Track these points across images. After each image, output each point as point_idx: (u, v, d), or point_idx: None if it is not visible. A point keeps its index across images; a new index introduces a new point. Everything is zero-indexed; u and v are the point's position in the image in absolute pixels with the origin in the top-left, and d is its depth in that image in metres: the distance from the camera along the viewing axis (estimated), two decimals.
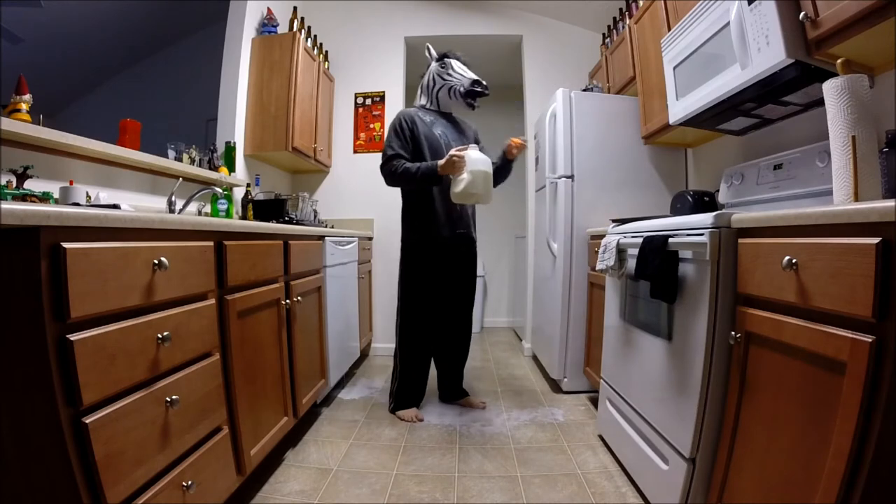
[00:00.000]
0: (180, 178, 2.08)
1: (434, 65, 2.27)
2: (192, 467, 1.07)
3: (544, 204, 2.79)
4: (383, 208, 3.46)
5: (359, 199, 3.51)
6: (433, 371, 2.39)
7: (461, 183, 2.00)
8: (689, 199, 1.95)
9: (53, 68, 3.72)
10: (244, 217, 2.56)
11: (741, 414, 1.06)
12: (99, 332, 0.82)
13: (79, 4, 3.33)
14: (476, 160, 2.03)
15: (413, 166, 2.08)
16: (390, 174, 2.13)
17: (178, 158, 2.21)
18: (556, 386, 2.61)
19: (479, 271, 4.36)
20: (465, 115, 2.37)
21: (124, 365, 0.88)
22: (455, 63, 2.24)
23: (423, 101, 2.30)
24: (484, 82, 2.20)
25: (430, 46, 2.31)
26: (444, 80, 2.22)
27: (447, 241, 2.19)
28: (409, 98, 3.65)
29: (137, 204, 1.90)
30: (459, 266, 2.26)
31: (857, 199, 0.96)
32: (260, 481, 1.58)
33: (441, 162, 2.02)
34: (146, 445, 0.92)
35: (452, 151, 2.01)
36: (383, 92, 3.53)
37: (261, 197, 2.63)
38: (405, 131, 2.15)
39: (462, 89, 2.18)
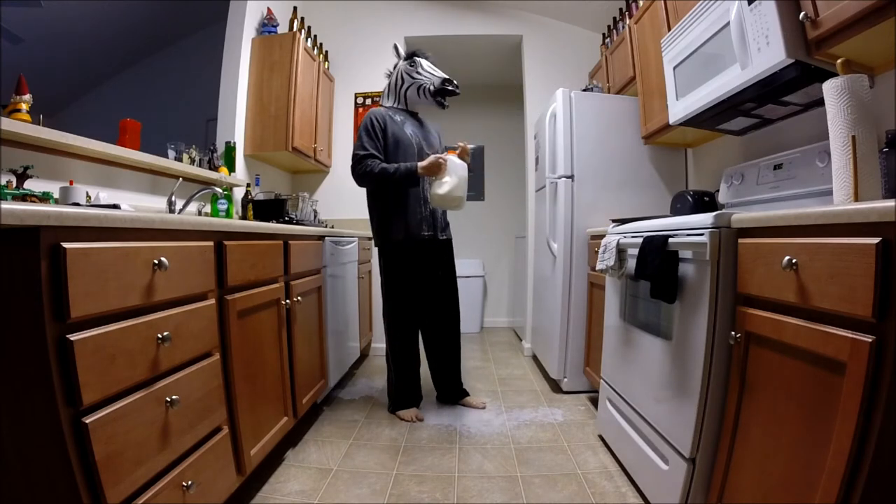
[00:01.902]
0: (180, 178, 2.08)
1: (402, 63, 2.26)
2: (192, 467, 1.07)
3: (544, 204, 2.79)
4: None
5: (359, 199, 3.47)
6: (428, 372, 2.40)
7: (445, 185, 2.04)
8: (689, 199, 1.95)
9: (53, 68, 3.71)
10: (244, 217, 2.56)
11: (741, 414, 1.06)
12: (99, 332, 0.82)
13: (79, 4, 3.33)
14: (458, 166, 2.08)
15: (390, 167, 2.07)
16: (365, 174, 2.10)
17: (178, 158, 2.21)
18: (556, 386, 2.61)
19: (480, 271, 4.38)
20: (431, 115, 2.41)
21: (124, 365, 0.88)
22: (424, 62, 2.24)
23: (391, 101, 2.30)
24: (455, 81, 2.21)
25: (398, 45, 2.31)
26: (413, 78, 2.22)
27: (425, 242, 2.20)
28: None
29: (137, 204, 1.90)
30: (438, 266, 2.27)
31: (857, 199, 0.96)
32: (260, 481, 1.58)
33: (423, 163, 2.05)
34: (146, 445, 0.92)
35: (438, 156, 2.05)
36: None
37: (261, 197, 2.63)
38: (377, 131, 2.14)
39: (432, 87, 2.19)
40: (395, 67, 2.30)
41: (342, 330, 2.50)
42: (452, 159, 2.08)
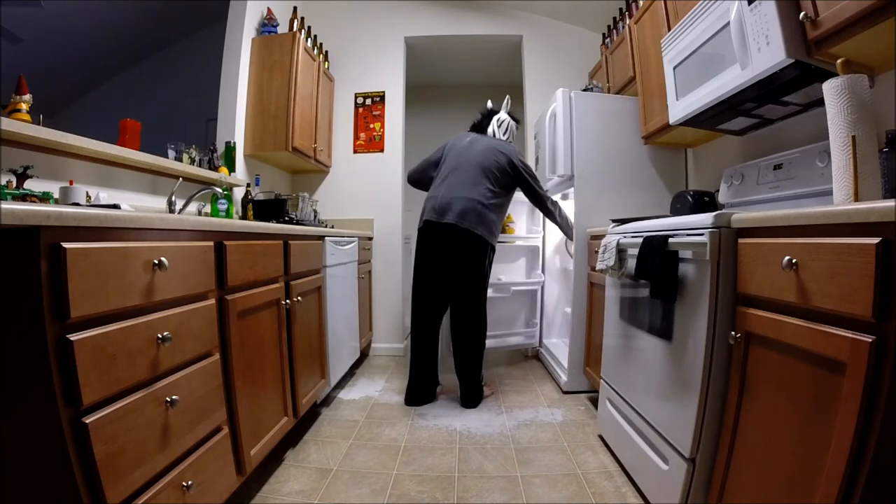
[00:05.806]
0: (180, 178, 2.08)
1: (513, 123, 2.60)
2: (192, 467, 1.07)
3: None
4: (383, 208, 3.46)
5: (359, 199, 3.50)
6: (434, 370, 2.40)
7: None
8: (689, 199, 1.95)
9: (53, 68, 3.71)
10: (244, 217, 2.56)
11: (741, 414, 1.06)
12: (99, 332, 0.82)
13: (79, 4, 3.33)
14: None
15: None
16: (556, 212, 2.47)
17: (178, 158, 2.21)
18: (556, 386, 2.61)
19: None
20: None
21: (124, 365, 0.88)
22: None
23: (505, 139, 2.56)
24: None
25: (509, 98, 2.65)
26: (512, 139, 2.57)
27: None
28: (409, 98, 3.66)
29: (137, 204, 1.90)
30: None
31: (857, 199, 0.96)
32: (260, 481, 1.58)
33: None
34: (146, 445, 0.92)
35: None
36: (383, 92, 3.53)
37: (261, 197, 2.63)
38: None
39: None
40: (503, 110, 2.59)
41: (342, 330, 2.50)
42: None
